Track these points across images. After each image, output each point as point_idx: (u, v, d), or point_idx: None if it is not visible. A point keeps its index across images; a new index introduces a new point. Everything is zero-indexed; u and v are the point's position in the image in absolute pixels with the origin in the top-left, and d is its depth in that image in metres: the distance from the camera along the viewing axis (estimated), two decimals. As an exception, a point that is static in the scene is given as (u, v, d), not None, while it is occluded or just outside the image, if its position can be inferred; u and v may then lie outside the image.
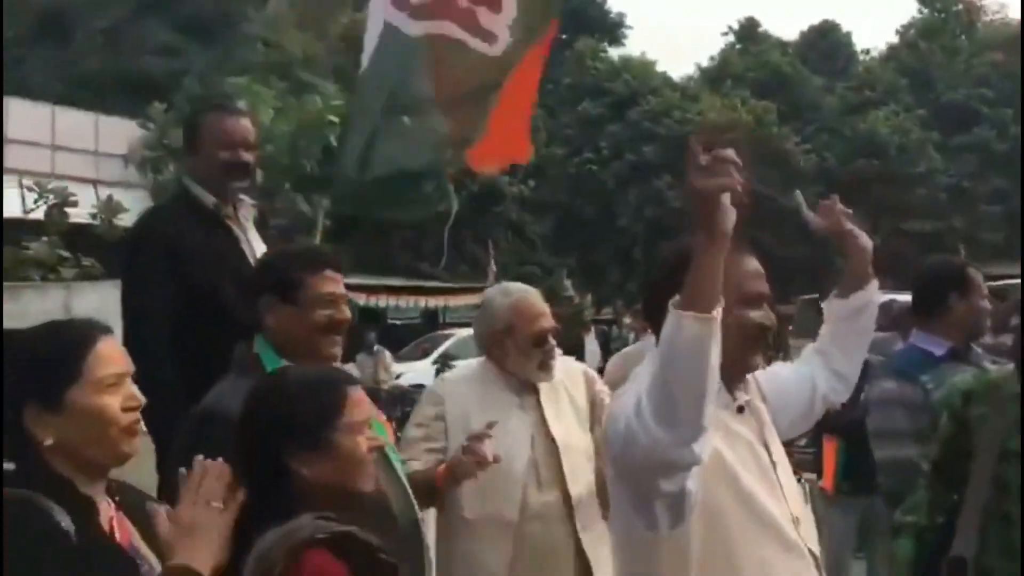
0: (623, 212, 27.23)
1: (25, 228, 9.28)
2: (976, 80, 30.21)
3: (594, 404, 2.97)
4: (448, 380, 3.06)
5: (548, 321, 2.90)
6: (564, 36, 33.73)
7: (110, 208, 13.27)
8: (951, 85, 30.62)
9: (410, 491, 2.33)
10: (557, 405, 2.91)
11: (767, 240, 25.70)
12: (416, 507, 2.30)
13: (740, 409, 2.01)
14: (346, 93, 12.36)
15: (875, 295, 2.32)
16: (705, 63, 34.08)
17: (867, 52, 35.53)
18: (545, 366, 2.86)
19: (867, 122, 28.85)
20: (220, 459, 1.70)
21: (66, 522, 1.60)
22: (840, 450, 5.00)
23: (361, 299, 17.26)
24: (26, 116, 19.38)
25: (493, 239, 23.04)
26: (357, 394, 1.83)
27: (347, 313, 2.25)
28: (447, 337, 18.12)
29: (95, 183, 19.21)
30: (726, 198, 1.67)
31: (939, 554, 2.72)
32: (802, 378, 2.28)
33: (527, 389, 2.89)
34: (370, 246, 20.75)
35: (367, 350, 13.91)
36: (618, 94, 28.66)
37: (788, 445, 2.23)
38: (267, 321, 2.21)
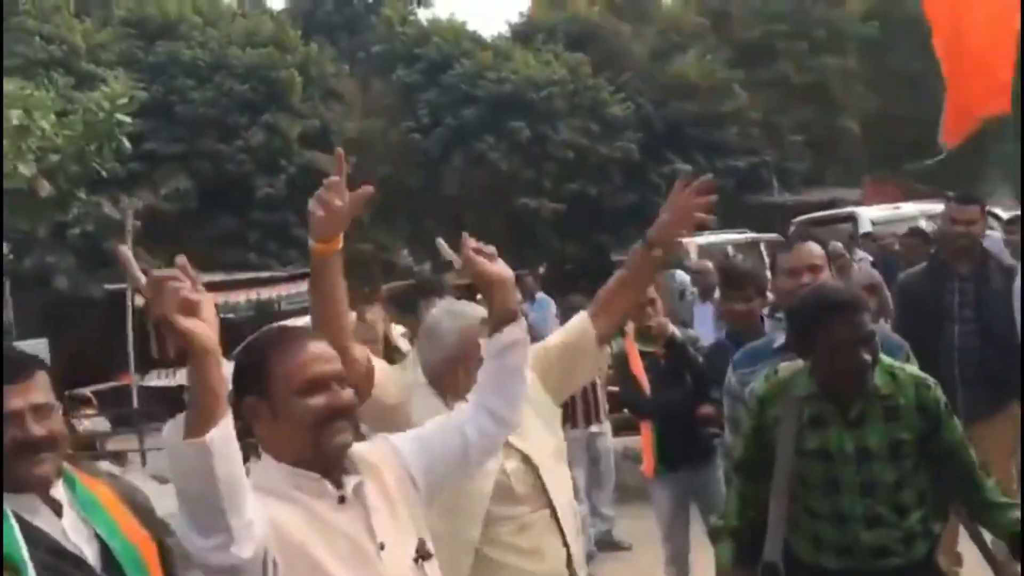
0: (449, 178, 26.90)
1: None
2: (771, 16, 31.36)
3: None
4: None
5: None
6: (370, 1, 32.89)
7: None
8: (747, 24, 31.70)
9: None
10: None
11: (593, 191, 26.07)
12: None
13: (342, 499, 1.98)
14: (136, 83, 11.37)
15: (521, 332, 2.19)
16: (515, 19, 33.99)
17: (669, -4, 36.31)
18: None
19: (675, 66, 29.51)
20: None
21: None
22: (655, 435, 5.36)
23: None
24: None
25: (319, 220, 22.19)
26: None
27: (41, 431, 1.94)
28: (285, 328, 17.38)
29: None
30: (184, 316, 1.68)
31: (755, 553, 2.82)
32: (451, 432, 2.21)
33: None
34: (190, 245, 19.65)
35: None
36: (430, 59, 28.14)
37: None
38: None
